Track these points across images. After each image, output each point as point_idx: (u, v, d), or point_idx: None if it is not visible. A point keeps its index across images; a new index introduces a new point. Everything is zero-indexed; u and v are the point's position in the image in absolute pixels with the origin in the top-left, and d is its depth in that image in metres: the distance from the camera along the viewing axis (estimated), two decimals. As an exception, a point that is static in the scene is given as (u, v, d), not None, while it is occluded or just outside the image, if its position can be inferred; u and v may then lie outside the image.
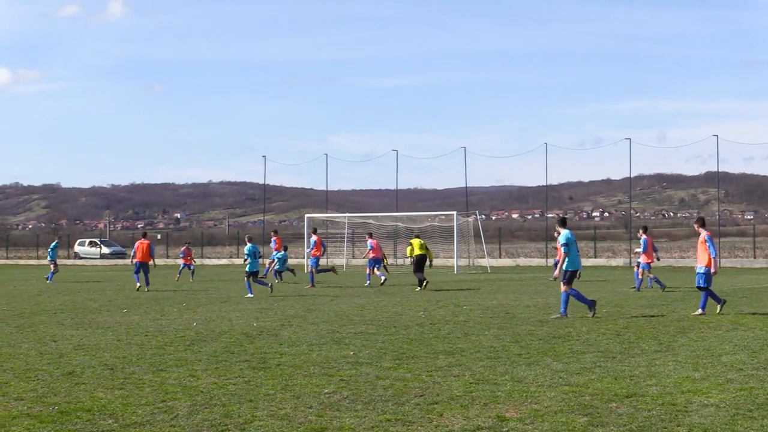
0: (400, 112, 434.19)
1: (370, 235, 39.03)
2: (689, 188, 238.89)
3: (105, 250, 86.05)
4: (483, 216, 59.56)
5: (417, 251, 32.37)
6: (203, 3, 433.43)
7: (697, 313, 20.30)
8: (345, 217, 61.57)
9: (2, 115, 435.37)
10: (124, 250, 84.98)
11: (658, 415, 9.34)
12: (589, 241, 77.01)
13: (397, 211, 64.65)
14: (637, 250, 31.41)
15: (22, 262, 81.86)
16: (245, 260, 29.22)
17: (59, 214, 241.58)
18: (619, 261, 59.78)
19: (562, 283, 20.28)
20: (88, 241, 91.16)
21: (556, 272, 21.08)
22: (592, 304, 20.12)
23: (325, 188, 75.44)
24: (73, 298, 28.29)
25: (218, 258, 77.31)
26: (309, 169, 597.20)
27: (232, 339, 16.32)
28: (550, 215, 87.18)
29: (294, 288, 33.43)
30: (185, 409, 9.83)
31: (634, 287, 29.93)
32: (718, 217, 76.15)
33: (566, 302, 20.13)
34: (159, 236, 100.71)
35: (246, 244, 30.30)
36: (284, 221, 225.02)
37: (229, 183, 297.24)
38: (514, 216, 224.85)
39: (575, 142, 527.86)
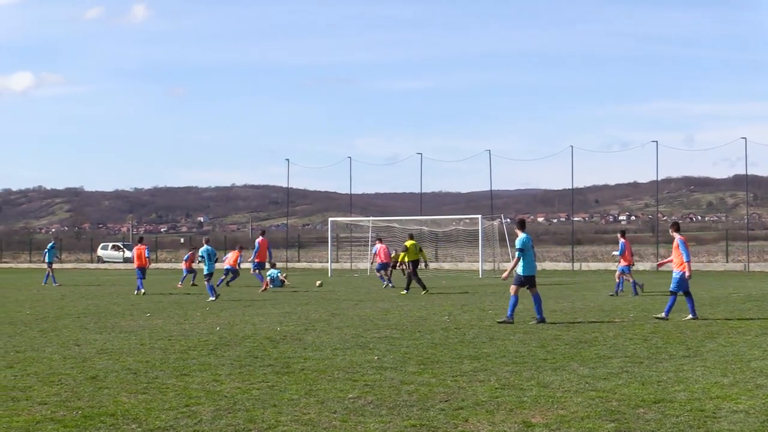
0: (424, 115, 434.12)
1: (380, 240, 39.09)
2: (717, 191, 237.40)
3: (128, 254, 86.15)
4: (508, 219, 59.23)
5: (413, 256, 32.32)
6: (226, 6, 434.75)
7: (687, 317, 20.19)
8: (369, 220, 61.47)
9: (26, 118, 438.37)
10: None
11: (686, 421, 9.22)
12: (616, 245, 76.69)
13: (421, 215, 64.53)
14: (615, 253, 31.81)
15: (45, 265, 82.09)
16: (199, 262, 29.76)
17: (82, 218, 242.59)
18: (646, 265, 59.39)
19: (514, 285, 20.12)
20: (111, 245, 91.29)
21: (505, 275, 20.81)
22: (537, 315, 19.94)
23: (348, 192, 75.46)
24: (97, 302, 28.32)
25: (242, 262, 77.25)
26: (333, 173, 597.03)
27: (256, 343, 16.27)
28: (576, 219, 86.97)
29: (317, 293, 33.40)
30: (209, 414, 9.77)
31: (614, 292, 29.89)
32: (746, 220, 75.63)
33: (538, 306, 19.99)
34: (182, 240, 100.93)
35: (202, 246, 31.01)
36: (308, 225, 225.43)
37: (253, 186, 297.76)
38: (540, 219, 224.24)
39: (601, 145, 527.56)
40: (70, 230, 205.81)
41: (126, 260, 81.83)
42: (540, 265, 61.86)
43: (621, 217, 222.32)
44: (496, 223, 57.34)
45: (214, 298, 28.41)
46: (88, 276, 55.58)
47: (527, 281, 20.02)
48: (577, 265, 58.19)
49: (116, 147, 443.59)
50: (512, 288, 20.14)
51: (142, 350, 15.46)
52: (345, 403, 10.31)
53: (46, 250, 44.72)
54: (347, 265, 63.65)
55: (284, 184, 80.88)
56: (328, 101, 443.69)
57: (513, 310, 19.95)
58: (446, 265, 61.11)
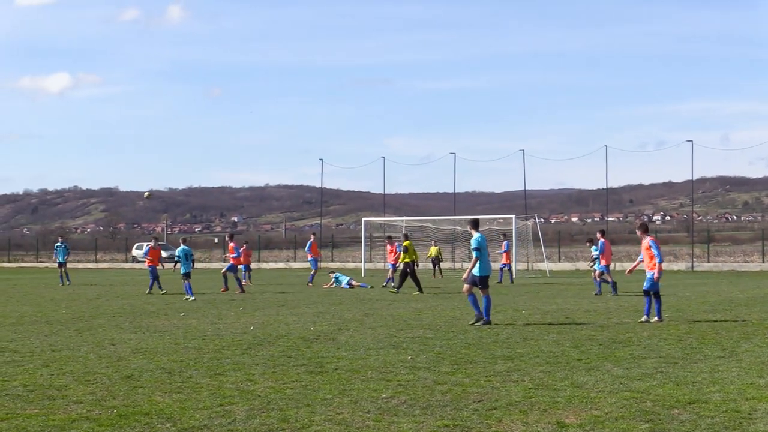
0: (457, 115, 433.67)
1: (389, 239, 39.21)
2: (753, 191, 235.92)
3: (163, 253, 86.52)
4: (542, 219, 59.10)
5: (413, 256, 32.51)
6: (261, 7, 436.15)
7: (654, 320, 19.92)
8: (402, 220, 61.43)
9: (62, 119, 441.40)
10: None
11: (722, 422, 9.16)
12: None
13: (455, 215, 64.48)
14: (594, 253, 32.27)
15: (80, 265, 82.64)
16: (176, 262, 30.29)
17: (117, 218, 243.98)
18: (681, 265, 59.14)
19: (467, 285, 19.88)
20: (145, 244, 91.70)
21: (465, 275, 20.54)
22: (484, 317, 19.66)
23: (382, 191, 75.48)
24: (131, 302, 28.48)
25: (275, 261, 77.57)
26: (366, 173, 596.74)
27: (289, 343, 16.31)
28: (610, 218, 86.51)
29: (351, 293, 33.44)
30: (243, 413, 9.81)
31: (596, 292, 30.35)
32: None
33: (487, 308, 19.70)
34: (216, 240, 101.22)
35: (180, 246, 31.96)
36: (341, 225, 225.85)
37: (286, 186, 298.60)
38: (574, 219, 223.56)
39: (636, 145, 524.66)
40: (105, 230, 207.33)
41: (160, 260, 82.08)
42: (574, 265, 61.74)
43: (655, 217, 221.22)
44: (530, 223, 57.10)
45: (192, 298, 28.97)
46: (123, 275, 55.91)
47: (481, 281, 19.76)
48: (611, 265, 57.78)
49: (151, 147, 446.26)
50: (465, 288, 19.96)
51: (177, 349, 15.54)
52: (378, 403, 10.32)
53: (56, 249, 43.84)
54: (380, 265, 63.61)
55: (318, 184, 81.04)
56: (362, 101, 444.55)
57: (478, 308, 19.71)
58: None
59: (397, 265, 34.08)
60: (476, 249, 19.76)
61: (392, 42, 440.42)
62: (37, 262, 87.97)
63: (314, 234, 42.24)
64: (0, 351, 15.55)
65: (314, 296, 30.73)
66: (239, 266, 36.14)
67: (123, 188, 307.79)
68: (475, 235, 20.01)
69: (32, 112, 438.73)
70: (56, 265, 43.04)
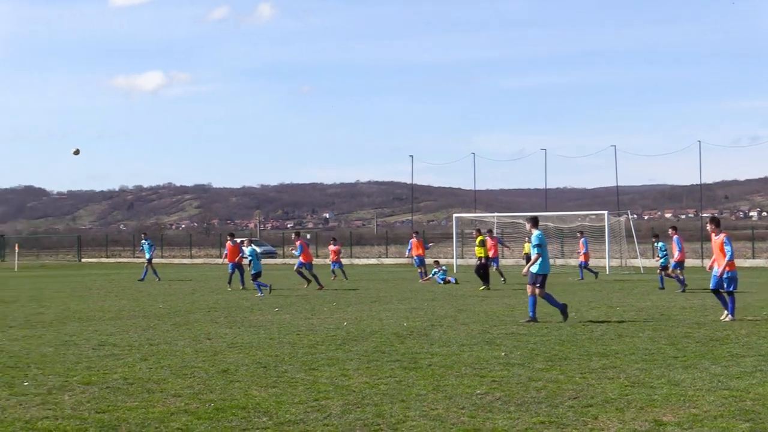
0: (548, 111, 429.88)
1: (489, 233, 39.06)
2: None
3: (256, 249, 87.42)
4: (635, 215, 58.36)
5: (485, 251, 32.52)
6: (351, 4, 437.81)
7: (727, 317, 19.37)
8: (494, 216, 61.17)
9: (156, 117, 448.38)
10: (274, 249, 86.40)
11: (826, 422, 8.96)
12: (747, 242, 74.61)
13: (546, 211, 64.01)
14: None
15: (176, 261, 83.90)
16: (249, 263, 31.41)
17: (211, 214, 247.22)
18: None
19: (530, 285, 19.60)
20: (239, 240, 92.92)
21: (525, 270, 20.17)
22: (562, 308, 19.48)
23: (473, 188, 75.29)
24: (226, 297, 28.83)
25: (367, 258, 77.82)
26: (457, 169, 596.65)
27: (383, 339, 16.36)
28: (704, 215, 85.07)
29: (444, 289, 33.42)
30: (338, 408, 9.87)
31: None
32: None
33: (534, 305, 19.43)
34: (309, 236, 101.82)
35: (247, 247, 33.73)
36: (432, 221, 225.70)
37: (377, 183, 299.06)
38: (667, 216, 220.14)
39: (730, 140, 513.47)
40: (199, 226, 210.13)
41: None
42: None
43: (751, 213, 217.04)
44: (622, 219, 56.41)
45: (262, 294, 29.46)
46: (217, 271, 56.53)
47: (539, 279, 19.41)
48: (707, 262, 56.84)
49: (243, 144, 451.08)
50: (529, 288, 19.68)
51: (271, 344, 15.69)
52: (473, 399, 10.30)
53: (143, 246, 43.96)
54: (472, 261, 63.43)
55: (408, 181, 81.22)
56: (453, 98, 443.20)
57: (557, 303, 19.49)
58: (572, 262, 60.42)
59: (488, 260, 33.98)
60: (537, 246, 19.60)
61: (483, 39, 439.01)
62: (134, 257, 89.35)
63: (416, 233, 42.00)
64: (100, 344, 15.87)
65: (407, 292, 30.78)
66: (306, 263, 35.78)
67: (216, 185, 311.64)
68: (536, 232, 19.86)
69: (127, 111, 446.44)
70: (144, 260, 43.33)
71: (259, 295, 29.10)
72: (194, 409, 9.90)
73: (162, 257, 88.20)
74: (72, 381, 11.77)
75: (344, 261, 47.45)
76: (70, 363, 13.50)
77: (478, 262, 32.69)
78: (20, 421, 9.29)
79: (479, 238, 33.41)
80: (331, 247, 42.69)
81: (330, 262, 42.37)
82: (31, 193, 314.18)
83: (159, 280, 41.02)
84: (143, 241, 44.37)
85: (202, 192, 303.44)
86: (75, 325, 19.82)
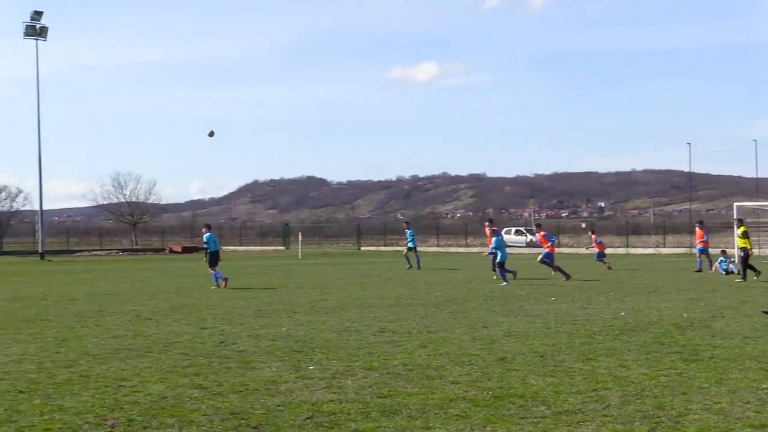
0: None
1: (699, 224, 37.41)
2: None
3: (531, 238, 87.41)
4: None
5: (748, 243, 30.90)
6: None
7: None
8: (777, 205, 58.55)
9: (430, 107, 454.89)
10: (555, 238, 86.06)
11: None
12: None
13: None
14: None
15: (452, 249, 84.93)
16: (495, 251, 30.25)
17: (485, 203, 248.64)
18: None
19: None
20: (514, 229, 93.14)
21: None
22: None
23: (754, 175, 72.38)
24: (501, 286, 28.85)
25: (644, 247, 76.25)
26: (737, 156, 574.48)
27: (662, 330, 16.02)
28: None
29: (724, 280, 32.35)
30: (616, 399, 9.76)
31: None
32: None
33: None
34: (584, 225, 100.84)
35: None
36: (711, 210, 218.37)
37: (653, 171, 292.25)
38: None
39: None
40: (474, 215, 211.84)
41: (529, 245, 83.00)
42: None
43: None
44: None
45: (505, 284, 28.85)
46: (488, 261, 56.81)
47: None
48: None
49: (517, 133, 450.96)
50: None
51: (548, 333, 15.66)
52: (758, 394, 9.95)
53: (409, 235, 44.11)
54: (755, 251, 61.01)
55: (686, 168, 79.21)
56: (733, 82, 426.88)
57: None
58: None
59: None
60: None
61: (765, 20, 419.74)
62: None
63: (700, 222, 40.97)
64: (380, 331, 16.31)
65: (685, 283, 30.01)
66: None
67: (490, 174, 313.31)
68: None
69: (403, 102, 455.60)
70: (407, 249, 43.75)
71: (503, 284, 28.95)
72: (472, 396, 10.02)
73: (438, 246, 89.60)
74: (354, 366, 12.16)
75: (620, 251, 46.73)
76: (352, 348, 13.96)
77: (742, 253, 31.34)
78: (307, 403, 9.68)
79: (741, 229, 32.07)
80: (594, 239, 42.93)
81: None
82: (313, 183, 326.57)
83: (417, 268, 41.19)
84: (407, 230, 45.13)
85: (476, 181, 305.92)
86: (356, 311, 20.45)
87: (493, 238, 31.10)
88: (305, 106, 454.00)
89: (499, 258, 30.14)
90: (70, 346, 14.55)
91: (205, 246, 30.08)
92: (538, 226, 37.08)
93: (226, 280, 28.87)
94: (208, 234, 30.03)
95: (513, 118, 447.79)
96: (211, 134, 36.57)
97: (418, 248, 45.18)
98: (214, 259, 29.46)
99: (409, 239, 43.56)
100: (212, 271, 29.30)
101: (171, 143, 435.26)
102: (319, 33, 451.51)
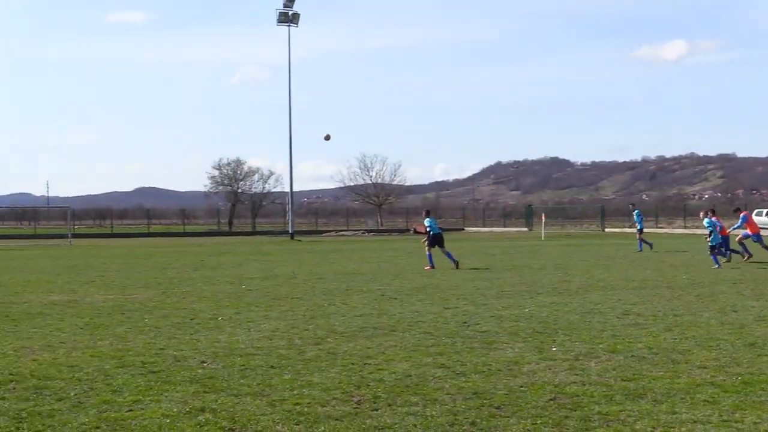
0: None
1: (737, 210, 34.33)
2: None
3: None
4: None
5: None
6: None
7: None
8: None
9: (678, 85, 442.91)
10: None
11: None
12: None
13: None
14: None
15: (698, 231, 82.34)
16: (710, 234, 29.72)
17: (735, 184, 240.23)
18: None
19: None
20: (765, 211, 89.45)
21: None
22: None
23: None
24: (752, 269, 27.88)
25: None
26: None
27: None
28: None
29: None
30: None
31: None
32: None
33: None
34: None
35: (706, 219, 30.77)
36: None
37: None
38: None
39: None
40: (723, 196, 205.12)
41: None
42: None
43: None
44: None
45: (718, 266, 28.50)
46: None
47: None
48: None
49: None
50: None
51: (801, 319, 15.05)
52: None
53: (636, 216, 43.00)
54: None
55: None
56: None
57: None
58: None
59: None
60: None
61: None
62: (656, 227, 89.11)
63: None
64: (624, 313, 16.10)
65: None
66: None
67: (740, 154, 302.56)
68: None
69: (650, 80, 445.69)
70: (636, 231, 42.88)
71: (714, 267, 28.19)
72: (720, 381, 9.77)
73: (685, 227, 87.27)
74: (598, 348, 12.06)
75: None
76: (596, 330, 13.84)
77: None
78: (549, 385, 9.68)
79: None
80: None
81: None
82: (556, 164, 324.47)
83: (638, 250, 40.75)
84: (634, 212, 44.12)
85: (725, 161, 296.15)
86: (599, 293, 20.25)
87: (705, 220, 30.51)
88: (549, 86, 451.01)
89: (711, 242, 29.69)
90: (319, 324, 15.06)
91: (428, 229, 31.14)
92: (737, 210, 35.18)
93: (457, 262, 29.97)
94: (428, 219, 31.40)
95: (765, 95, 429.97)
96: (327, 138, 37.28)
97: (647, 230, 44.30)
98: (435, 241, 30.70)
99: (636, 220, 42.74)
100: (428, 252, 30.39)
101: (416, 125, 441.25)
102: (566, 13, 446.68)
